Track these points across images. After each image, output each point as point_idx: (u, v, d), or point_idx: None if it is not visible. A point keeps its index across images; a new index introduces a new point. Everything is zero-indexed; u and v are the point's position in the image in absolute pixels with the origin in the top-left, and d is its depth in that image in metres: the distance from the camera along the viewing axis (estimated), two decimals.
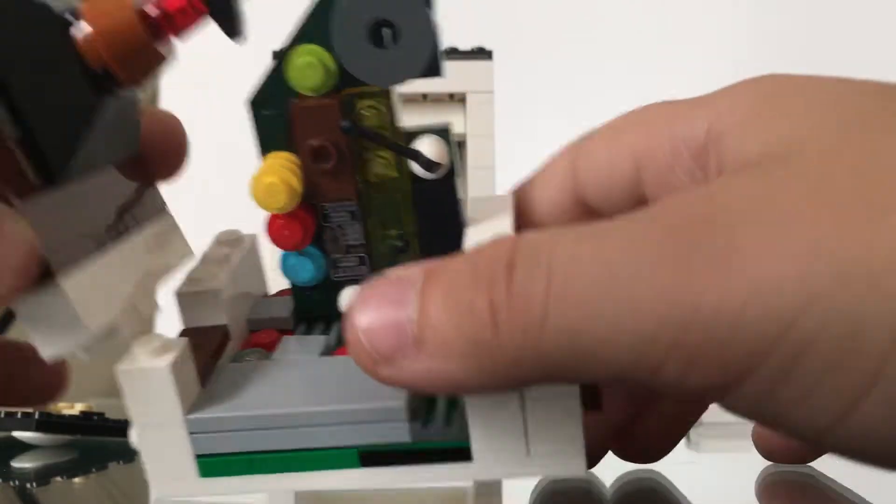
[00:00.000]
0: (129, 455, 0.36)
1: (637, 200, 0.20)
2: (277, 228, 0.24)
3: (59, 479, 0.30)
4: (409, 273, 0.17)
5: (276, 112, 0.23)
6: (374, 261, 0.25)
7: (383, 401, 0.20)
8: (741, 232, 0.14)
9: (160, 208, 0.25)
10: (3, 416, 0.35)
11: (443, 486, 0.21)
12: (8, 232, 0.19)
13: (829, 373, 0.14)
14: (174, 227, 0.26)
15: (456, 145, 0.25)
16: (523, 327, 0.15)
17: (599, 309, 0.15)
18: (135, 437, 0.21)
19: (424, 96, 0.42)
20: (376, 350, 0.17)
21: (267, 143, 0.24)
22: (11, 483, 0.29)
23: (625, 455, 0.26)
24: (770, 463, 0.27)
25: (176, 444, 0.21)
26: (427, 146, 0.24)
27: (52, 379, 0.25)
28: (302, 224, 0.24)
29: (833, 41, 0.73)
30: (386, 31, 0.22)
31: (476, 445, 0.20)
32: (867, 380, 0.13)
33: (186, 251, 0.26)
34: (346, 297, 0.25)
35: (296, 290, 0.26)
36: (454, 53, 0.41)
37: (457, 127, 0.43)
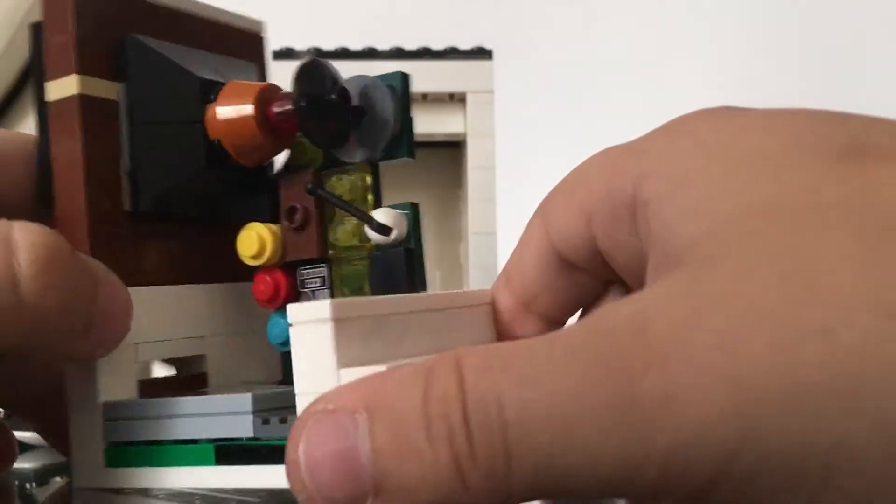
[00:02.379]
0: None
1: (598, 253, 0.21)
2: (256, 283, 0.27)
3: (58, 479, 0.30)
4: (346, 409, 0.16)
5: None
6: None
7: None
8: (672, 372, 0.15)
9: None
10: (3, 416, 0.35)
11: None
12: (116, 292, 0.23)
13: (779, 493, 0.14)
14: None
15: (419, 222, 0.27)
16: (490, 479, 0.15)
17: (558, 458, 0.15)
18: None
19: (424, 96, 0.42)
20: (332, 498, 0.16)
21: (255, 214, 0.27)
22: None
23: None
24: None
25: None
26: (382, 214, 0.26)
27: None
28: (276, 283, 0.27)
29: (827, 46, 0.73)
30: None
31: None
32: (813, 496, 0.14)
33: None
34: None
35: (282, 357, 0.28)
36: (454, 53, 0.41)
37: (457, 127, 0.43)
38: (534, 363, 0.16)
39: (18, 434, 0.35)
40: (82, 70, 0.24)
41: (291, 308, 0.18)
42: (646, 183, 0.18)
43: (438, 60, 0.41)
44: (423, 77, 0.41)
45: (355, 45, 0.41)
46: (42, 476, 0.31)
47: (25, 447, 0.35)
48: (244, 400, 0.22)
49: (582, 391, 0.15)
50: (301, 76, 0.24)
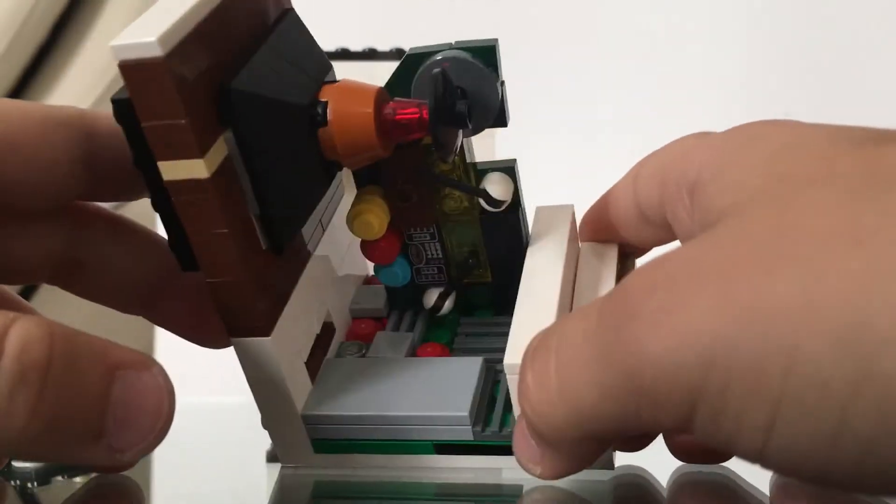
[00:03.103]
0: None
1: (666, 220, 0.25)
2: (371, 251, 0.30)
3: (59, 478, 0.30)
4: (541, 343, 0.22)
5: None
6: (450, 269, 0.31)
7: (453, 410, 0.26)
8: (675, 290, 0.17)
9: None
10: None
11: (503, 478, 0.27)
12: (144, 385, 0.20)
13: (746, 405, 0.16)
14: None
15: (519, 180, 0.29)
16: (548, 402, 0.20)
17: (586, 373, 0.19)
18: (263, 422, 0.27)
19: None
20: (524, 461, 0.23)
21: (362, 180, 0.29)
22: (12, 483, 0.29)
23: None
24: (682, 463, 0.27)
25: (296, 430, 0.27)
26: (493, 184, 0.28)
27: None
28: (390, 247, 0.30)
29: (836, 46, 0.73)
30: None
31: None
32: (773, 405, 0.16)
33: None
34: (430, 296, 0.31)
35: (388, 290, 0.32)
36: None
37: None
38: (584, 307, 0.20)
39: None
40: (203, 149, 0.22)
41: (508, 361, 0.24)
42: (701, 172, 0.21)
43: None
44: None
45: (355, 46, 0.41)
46: (43, 476, 0.31)
47: None
48: (461, 414, 0.26)
49: (603, 314, 0.19)
50: (435, 85, 0.25)
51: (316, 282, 0.29)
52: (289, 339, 0.27)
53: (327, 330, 0.30)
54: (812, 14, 0.74)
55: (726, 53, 0.74)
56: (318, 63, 0.27)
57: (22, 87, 0.89)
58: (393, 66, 0.43)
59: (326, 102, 0.25)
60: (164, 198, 0.23)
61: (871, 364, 0.15)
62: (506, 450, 0.26)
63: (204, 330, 0.27)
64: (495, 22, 0.74)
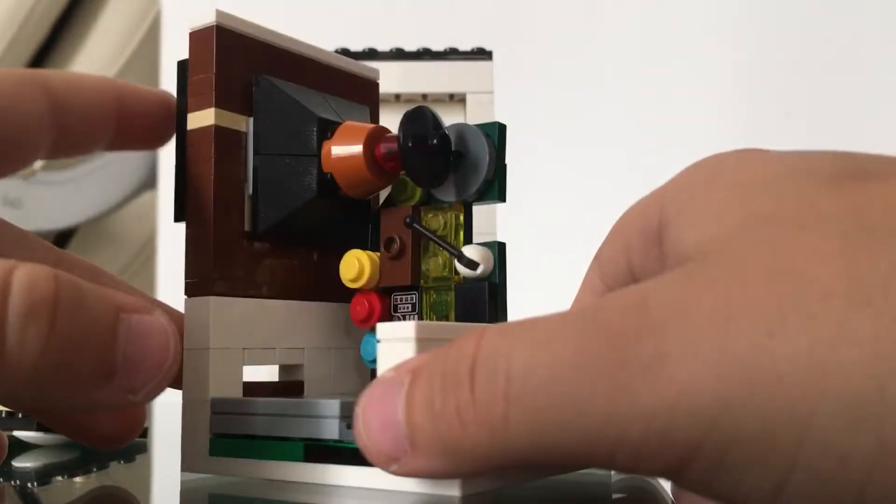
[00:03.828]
0: (130, 454, 0.36)
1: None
2: (353, 303, 0.30)
3: (60, 478, 0.30)
4: (398, 375, 0.19)
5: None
6: None
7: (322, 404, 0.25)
8: (667, 339, 0.16)
9: None
10: (3, 415, 0.35)
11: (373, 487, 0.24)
12: (149, 328, 0.20)
13: (751, 466, 0.15)
14: None
15: (505, 259, 0.29)
16: (489, 429, 0.17)
17: (552, 412, 0.17)
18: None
19: (424, 96, 0.42)
20: (382, 452, 0.19)
21: (357, 241, 0.30)
22: (12, 482, 0.29)
23: None
24: None
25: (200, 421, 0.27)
26: (471, 250, 0.29)
27: (128, 424, 0.27)
28: (371, 305, 0.30)
29: (827, 46, 0.73)
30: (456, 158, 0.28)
31: None
32: (783, 473, 0.15)
33: None
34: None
35: (371, 372, 0.31)
36: (454, 54, 0.42)
37: None
38: (545, 329, 0.18)
39: (20, 434, 0.35)
40: (218, 104, 0.27)
41: (381, 326, 0.22)
42: (666, 210, 0.20)
43: (438, 61, 0.41)
44: (423, 77, 0.41)
45: (356, 46, 0.41)
46: (43, 476, 0.31)
47: (26, 447, 0.35)
48: (333, 405, 0.25)
49: (580, 352, 0.17)
50: (407, 120, 0.27)
51: (292, 324, 0.30)
52: (234, 330, 0.27)
53: (294, 385, 0.30)
54: (812, 14, 0.74)
55: (723, 63, 0.74)
56: (349, 111, 0.31)
57: None
58: (393, 65, 0.43)
59: (338, 125, 0.29)
60: (181, 151, 0.28)
61: (889, 436, 0.14)
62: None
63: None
64: (495, 22, 0.74)
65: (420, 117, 0.28)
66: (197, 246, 0.27)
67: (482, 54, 0.42)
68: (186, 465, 0.27)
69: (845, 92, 0.70)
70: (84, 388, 0.20)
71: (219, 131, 0.27)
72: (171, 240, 0.76)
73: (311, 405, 0.25)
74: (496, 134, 0.29)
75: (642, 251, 0.22)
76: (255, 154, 0.28)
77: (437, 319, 0.30)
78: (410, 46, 0.41)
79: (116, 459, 0.34)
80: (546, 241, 0.65)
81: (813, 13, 0.74)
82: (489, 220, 0.42)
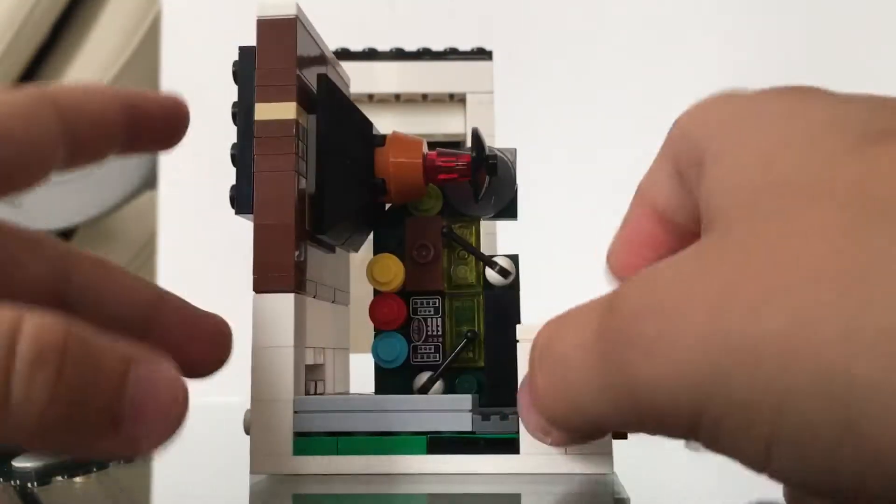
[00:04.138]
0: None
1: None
2: (378, 306, 0.31)
3: (59, 478, 0.30)
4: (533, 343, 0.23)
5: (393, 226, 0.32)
6: (446, 349, 0.32)
7: (452, 402, 0.27)
8: (666, 318, 0.17)
9: None
10: None
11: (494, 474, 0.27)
12: (159, 376, 0.20)
13: (740, 437, 0.17)
14: None
15: (519, 271, 0.32)
16: (557, 403, 0.21)
17: (589, 386, 0.19)
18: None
19: (424, 97, 0.42)
20: (537, 429, 0.24)
21: (382, 246, 0.32)
22: (12, 483, 0.29)
23: None
24: None
25: (282, 420, 0.27)
26: (501, 260, 0.31)
27: (215, 349, 0.27)
28: (398, 308, 0.31)
29: (829, 46, 0.73)
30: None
31: (523, 441, 0.26)
32: (767, 440, 0.16)
33: None
34: (420, 379, 0.31)
35: (377, 375, 0.32)
36: (454, 53, 0.42)
37: (457, 127, 0.43)
38: (582, 315, 0.21)
39: None
40: (296, 98, 0.27)
41: (521, 328, 0.26)
42: (706, 144, 0.21)
43: (438, 61, 0.41)
44: (423, 77, 0.41)
45: (355, 46, 0.41)
46: (43, 476, 0.31)
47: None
48: (465, 400, 0.27)
49: (600, 335, 0.19)
50: (479, 138, 0.30)
51: (322, 323, 0.31)
52: (300, 329, 0.28)
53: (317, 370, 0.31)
54: (812, 14, 0.74)
55: (724, 63, 0.74)
56: None
57: (25, 82, 0.89)
58: (393, 65, 0.43)
59: (385, 136, 0.31)
60: (246, 140, 0.28)
61: (850, 412, 0.15)
62: (507, 447, 0.27)
63: (197, 346, 0.26)
64: (495, 22, 0.74)
65: (481, 137, 0.30)
66: (271, 240, 0.27)
67: (482, 54, 0.42)
68: (260, 466, 0.26)
69: (845, 92, 0.70)
70: (90, 439, 0.19)
71: (298, 127, 0.27)
72: (172, 240, 0.76)
73: (443, 400, 0.27)
74: (514, 157, 0.32)
75: (690, 175, 0.22)
76: (320, 153, 0.29)
77: (461, 323, 0.31)
78: (410, 46, 0.41)
79: (116, 459, 0.34)
80: (546, 241, 0.65)
81: (813, 13, 0.74)
82: (489, 220, 0.41)
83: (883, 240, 0.15)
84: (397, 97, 0.42)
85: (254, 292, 0.27)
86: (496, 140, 0.42)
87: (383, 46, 0.41)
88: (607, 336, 0.19)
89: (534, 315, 0.27)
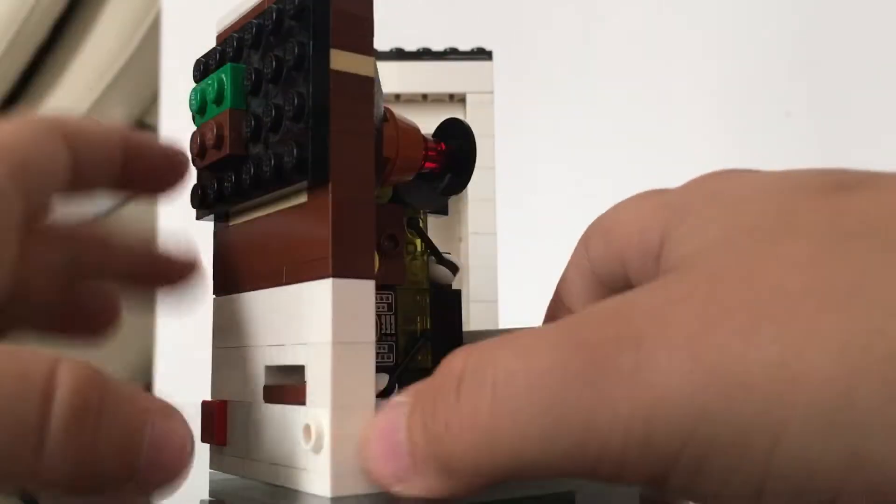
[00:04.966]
0: None
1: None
2: None
3: None
4: (402, 399, 0.20)
5: None
6: (398, 349, 0.29)
7: None
8: (644, 348, 0.16)
9: None
10: None
11: None
12: (171, 431, 0.20)
13: (728, 474, 0.15)
14: None
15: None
16: (474, 438, 0.18)
17: (535, 421, 0.17)
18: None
19: (424, 97, 0.42)
20: (387, 474, 0.20)
21: None
22: None
23: None
24: None
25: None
26: (448, 258, 0.30)
27: (104, 313, 0.27)
28: None
29: (826, 49, 0.73)
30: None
31: None
32: (758, 482, 0.15)
33: None
34: (379, 383, 0.27)
35: None
36: (454, 54, 0.41)
37: None
38: (529, 340, 0.18)
39: None
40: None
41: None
42: (666, 229, 0.20)
43: (438, 61, 0.41)
44: (423, 77, 0.41)
45: None
46: None
47: None
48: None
49: (561, 362, 0.17)
50: (462, 128, 0.28)
51: None
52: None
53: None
54: (813, 14, 0.74)
55: (722, 64, 0.74)
56: None
57: (22, 86, 0.89)
58: (393, 65, 0.43)
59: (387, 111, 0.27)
60: (321, 92, 0.23)
61: (859, 448, 0.14)
62: None
63: (161, 169, 0.27)
64: (495, 22, 0.74)
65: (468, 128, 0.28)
66: (354, 215, 0.22)
67: (482, 54, 0.42)
68: (343, 488, 0.21)
69: (845, 92, 0.70)
70: (106, 486, 0.20)
71: (375, 88, 0.24)
72: (172, 240, 0.76)
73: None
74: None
75: (639, 265, 0.21)
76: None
77: (410, 323, 0.29)
78: (410, 46, 0.41)
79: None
80: (545, 241, 0.65)
81: (813, 13, 0.74)
82: (489, 219, 0.42)
83: (853, 266, 0.15)
84: (397, 97, 0.42)
85: (332, 278, 0.22)
86: (496, 140, 0.42)
87: (383, 46, 0.41)
88: (569, 365, 0.17)
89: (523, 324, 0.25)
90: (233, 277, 0.26)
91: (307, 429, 0.22)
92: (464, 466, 0.18)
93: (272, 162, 0.23)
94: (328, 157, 0.22)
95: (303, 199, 0.23)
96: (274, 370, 0.24)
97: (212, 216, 0.27)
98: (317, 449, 0.21)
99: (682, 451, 0.16)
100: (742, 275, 0.16)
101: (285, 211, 0.24)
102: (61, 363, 0.19)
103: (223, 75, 0.25)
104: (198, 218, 0.28)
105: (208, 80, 0.26)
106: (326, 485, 0.21)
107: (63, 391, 0.18)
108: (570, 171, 0.71)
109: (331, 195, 0.22)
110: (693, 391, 0.15)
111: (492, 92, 0.42)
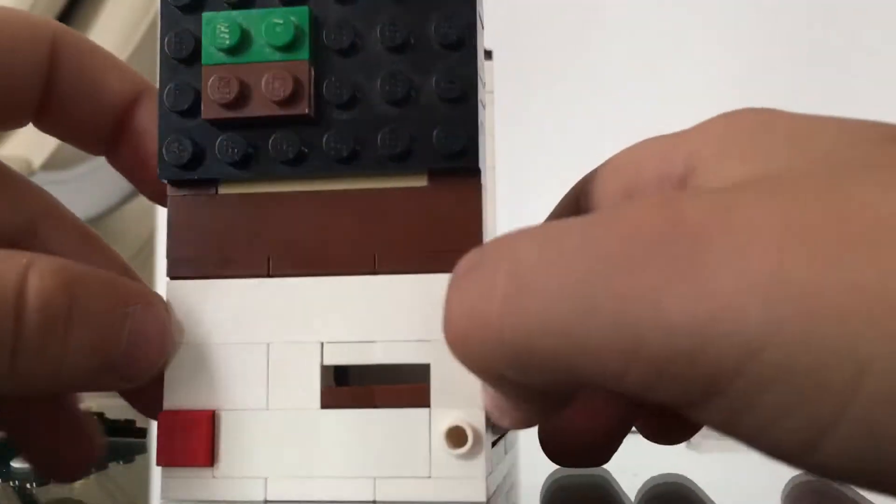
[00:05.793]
0: (129, 455, 0.36)
1: None
2: None
3: None
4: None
5: None
6: None
7: None
8: (707, 244, 0.14)
9: None
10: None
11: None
12: (151, 316, 0.20)
13: (794, 406, 0.13)
14: None
15: None
16: (484, 323, 0.15)
17: (558, 302, 0.14)
18: None
19: None
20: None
21: None
22: (11, 483, 0.29)
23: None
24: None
25: None
26: None
27: (86, 453, 0.25)
28: None
29: (831, 48, 0.73)
30: None
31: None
32: (827, 423, 0.13)
33: None
34: None
35: None
36: None
37: None
38: (559, 226, 0.16)
39: None
40: None
41: None
42: (699, 154, 0.18)
43: None
44: None
45: None
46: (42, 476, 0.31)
47: None
48: None
49: (596, 245, 0.15)
50: None
51: None
52: None
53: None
54: (813, 14, 0.74)
55: (725, 64, 0.74)
56: None
57: None
58: None
59: None
60: (478, 77, 0.22)
61: None
62: None
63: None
64: (495, 22, 0.74)
65: None
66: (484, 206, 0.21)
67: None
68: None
69: (845, 92, 0.70)
70: (83, 383, 0.20)
71: None
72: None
73: None
74: None
75: (657, 193, 0.19)
76: None
77: None
78: None
79: (116, 460, 0.34)
80: None
81: (813, 13, 0.74)
82: (490, 219, 0.42)
83: None
84: None
85: (435, 274, 0.20)
86: (496, 140, 0.42)
87: None
88: (602, 248, 0.14)
89: None
90: (239, 258, 0.22)
91: (456, 432, 0.20)
92: (475, 353, 0.16)
93: (408, 140, 0.21)
94: (480, 141, 0.21)
95: (419, 182, 0.21)
96: (346, 370, 0.22)
97: (187, 182, 0.22)
98: (473, 454, 0.19)
99: (739, 373, 0.13)
100: (833, 190, 0.14)
101: (383, 191, 0.21)
102: (32, 268, 0.19)
103: (293, 17, 0.21)
104: (165, 178, 0.23)
105: (260, 14, 0.22)
106: (482, 490, 0.19)
107: (32, 298, 0.18)
108: (570, 171, 0.71)
109: (483, 186, 0.21)
110: (767, 306, 0.13)
111: (492, 92, 0.42)
